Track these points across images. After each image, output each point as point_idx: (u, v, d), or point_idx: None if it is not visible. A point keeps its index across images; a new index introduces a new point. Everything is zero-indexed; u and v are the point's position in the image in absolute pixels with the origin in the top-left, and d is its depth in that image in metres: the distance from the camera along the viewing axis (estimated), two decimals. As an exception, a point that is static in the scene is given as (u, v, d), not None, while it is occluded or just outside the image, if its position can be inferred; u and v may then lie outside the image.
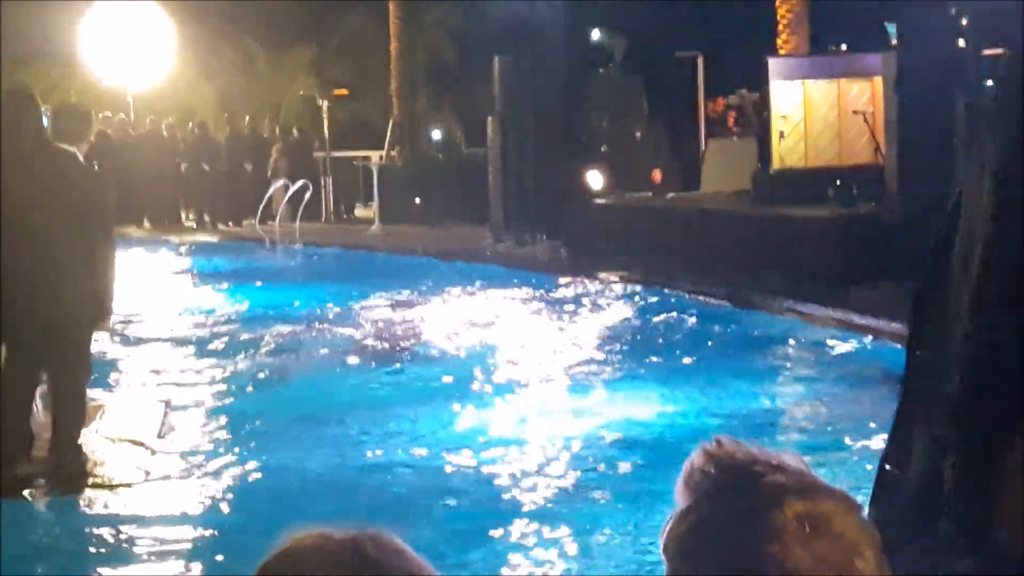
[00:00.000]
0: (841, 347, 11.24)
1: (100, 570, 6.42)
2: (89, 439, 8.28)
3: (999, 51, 11.75)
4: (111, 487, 7.57)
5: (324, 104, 25.51)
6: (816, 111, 16.17)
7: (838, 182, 14.66)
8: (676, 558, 1.47)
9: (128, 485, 7.62)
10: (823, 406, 9.24)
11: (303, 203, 23.18)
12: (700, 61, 20.19)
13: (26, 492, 7.35)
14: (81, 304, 7.55)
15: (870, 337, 11.20)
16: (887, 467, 2.17)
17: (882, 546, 1.44)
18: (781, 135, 16.15)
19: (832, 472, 6.91)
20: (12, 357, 7.65)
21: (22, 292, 7.41)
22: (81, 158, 7.68)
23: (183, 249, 22.10)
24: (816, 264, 13.50)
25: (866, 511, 1.50)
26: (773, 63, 16.56)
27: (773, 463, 1.48)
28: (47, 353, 7.62)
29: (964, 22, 12.97)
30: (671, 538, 1.48)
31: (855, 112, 15.51)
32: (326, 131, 25.44)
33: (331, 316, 14.10)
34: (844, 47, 16.70)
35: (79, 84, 28.79)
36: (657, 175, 18.32)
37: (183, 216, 26.23)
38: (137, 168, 24.27)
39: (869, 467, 7.14)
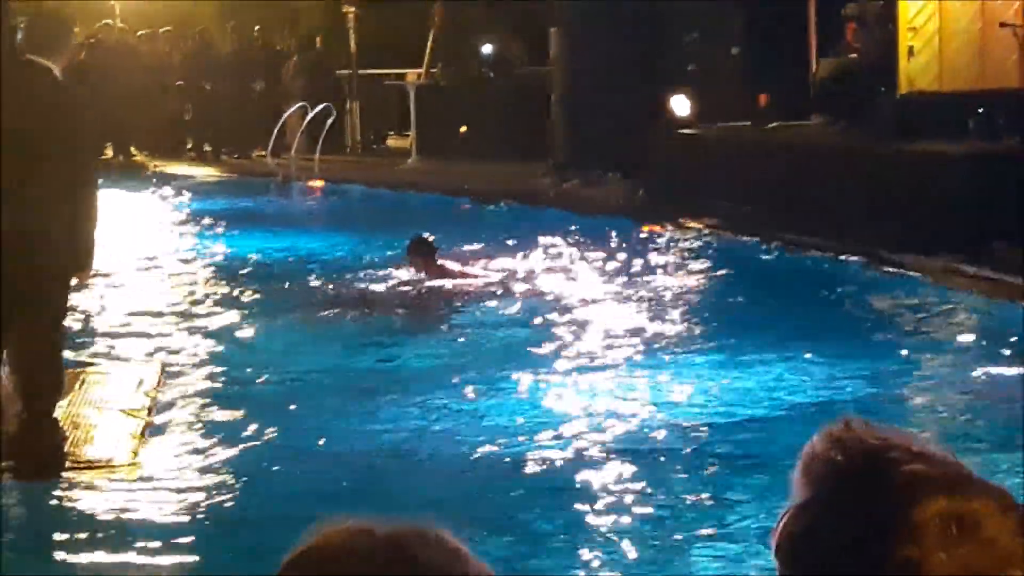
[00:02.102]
0: (983, 315, 11.15)
1: (80, 568, 6.49)
2: (67, 413, 8.36)
3: None
4: (93, 470, 7.64)
5: (351, 11, 25.49)
6: (954, 22, 15.99)
7: (980, 110, 14.52)
8: (790, 560, 1.47)
9: (113, 467, 7.70)
10: (964, 388, 9.17)
11: (324, 131, 23.23)
12: (811, -39, 19.98)
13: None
14: (56, 253, 7.59)
15: (1020, 302, 11.10)
16: None
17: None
18: (910, 52, 16.00)
19: (981, 470, 6.86)
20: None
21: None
22: (59, 74, 7.71)
23: (177, 186, 22.22)
24: (952, 212, 13.38)
25: None
26: (902, -38, 16.37)
27: (913, 450, 1.47)
28: (15, 311, 7.65)
29: None
30: (785, 536, 1.48)
31: (1002, 24, 15.32)
32: (352, 44, 25.44)
33: (356, 271, 14.13)
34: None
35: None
36: (763, 99, 18.18)
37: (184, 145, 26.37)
38: (123, 87, 24.37)
39: None
